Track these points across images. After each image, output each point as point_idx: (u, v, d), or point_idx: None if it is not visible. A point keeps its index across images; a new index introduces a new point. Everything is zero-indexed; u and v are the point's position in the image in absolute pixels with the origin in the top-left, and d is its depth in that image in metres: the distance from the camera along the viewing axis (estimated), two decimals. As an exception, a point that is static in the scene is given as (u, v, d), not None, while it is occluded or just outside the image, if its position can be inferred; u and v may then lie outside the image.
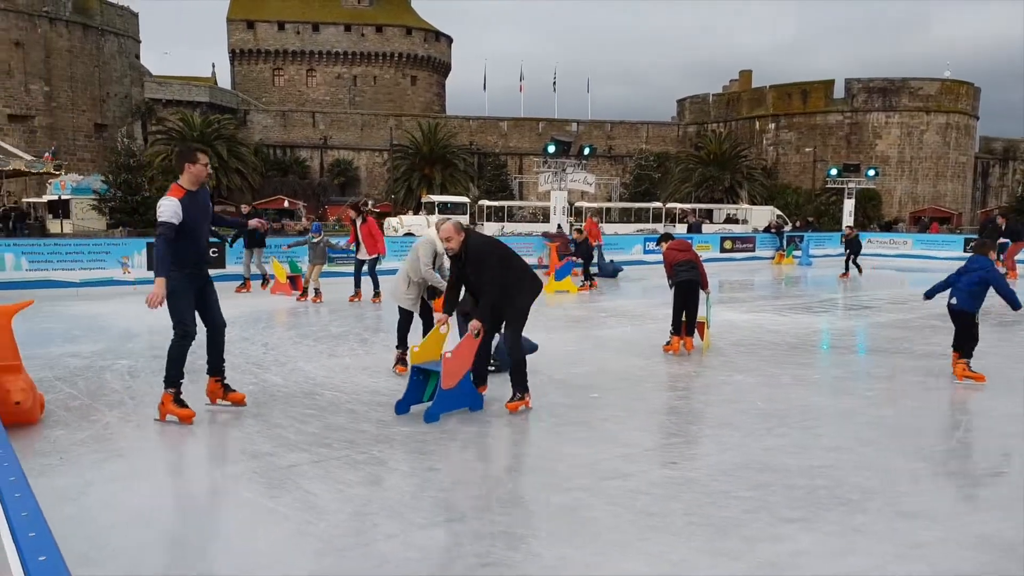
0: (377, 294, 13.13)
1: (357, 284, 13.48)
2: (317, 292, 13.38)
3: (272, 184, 54.26)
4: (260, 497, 4.27)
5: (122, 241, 18.78)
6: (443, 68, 77.28)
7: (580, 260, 16.80)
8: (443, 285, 6.98)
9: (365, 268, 13.24)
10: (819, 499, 4.31)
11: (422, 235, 7.67)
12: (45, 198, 39.44)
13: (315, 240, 13.66)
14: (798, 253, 26.12)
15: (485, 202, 43.70)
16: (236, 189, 50.18)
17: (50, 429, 5.38)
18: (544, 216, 36.19)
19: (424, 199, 43.48)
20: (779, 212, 41.99)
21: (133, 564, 3.46)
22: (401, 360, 7.52)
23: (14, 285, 13.25)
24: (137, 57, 58.75)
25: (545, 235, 21.48)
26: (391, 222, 36.71)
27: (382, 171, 61.30)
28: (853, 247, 20.32)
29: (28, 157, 30.65)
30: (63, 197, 37.79)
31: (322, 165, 61.72)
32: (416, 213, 41.60)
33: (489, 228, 38.38)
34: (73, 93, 51.33)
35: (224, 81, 71.16)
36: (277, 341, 9.39)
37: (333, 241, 14.97)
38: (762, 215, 42.20)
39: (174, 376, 5.59)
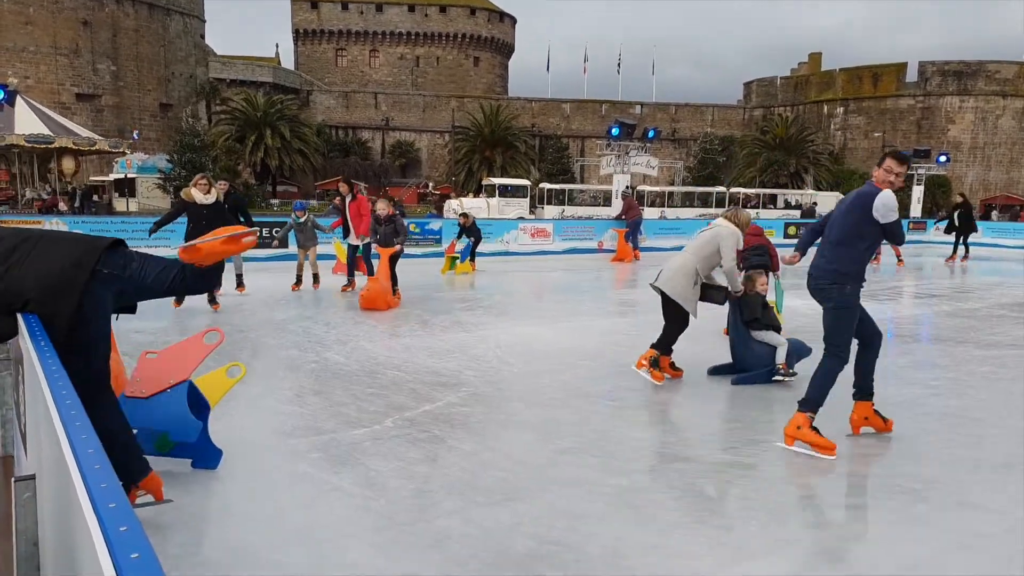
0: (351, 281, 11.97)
1: (351, 272, 11.99)
2: (316, 278, 12.09)
3: (334, 165, 55.16)
4: (323, 472, 4.38)
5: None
6: (506, 49, 77.09)
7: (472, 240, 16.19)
8: (739, 285, 6.57)
9: (359, 252, 11.84)
10: (878, 488, 4.26)
11: (718, 226, 6.62)
12: (112, 177, 40.83)
13: (300, 220, 11.95)
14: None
15: (546, 185, 43.60)
16: (298, 170, 51.21)
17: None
18: (605, 199, 35.93)
19: (485, 182, 43.63)
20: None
21: (196, 537, 3.59)
22: (663, 366, 6.60)
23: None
24: (202, 37, 60.12)
25: (618, 218, 20.51)
26: (451, 204, 36.95)
27: (443, 153, 61.73)
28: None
29: (84, 135, 31.52)
30: (129, 176, 39.09)
31: (383, 146, 62.45)
32: (476, 196, 41.77)
33: (549, 211, 38.32)
34: (139, 72, 52.76)
35: (288, 61, 72.39)
36: (339, 320, 9.55)
37: (320, 222, 13.04)
38: (828, 201, 41.08)
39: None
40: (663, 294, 6.50)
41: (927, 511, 3.96)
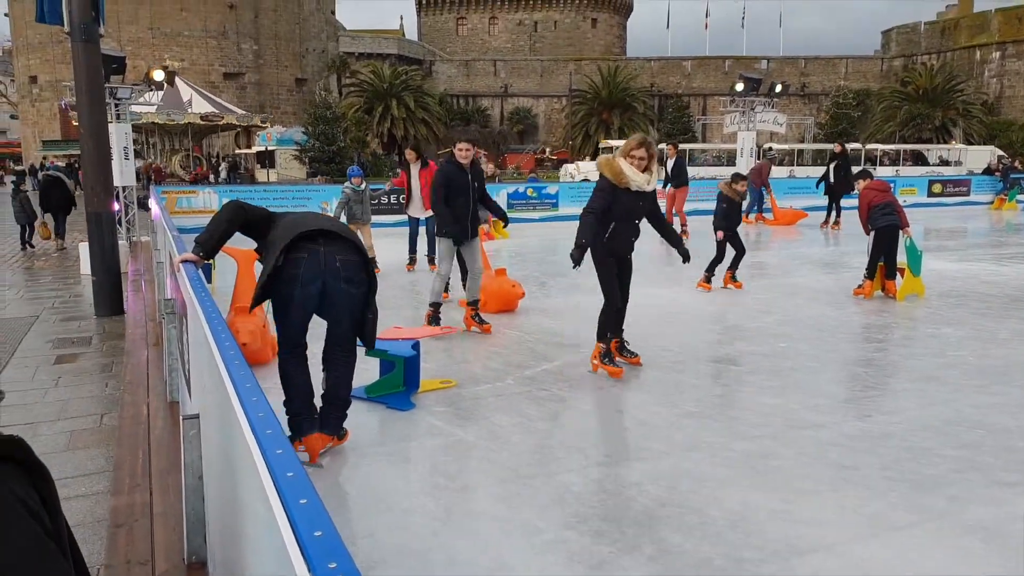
0: (434, 260, 9.76)
1: (413, 248, 10.38)
2: (374, 262, 8.97)
3: (455, 134, 55.80)
4: (449, 425, 4.54)
5: (321, 188, 20.35)
6: (624, 8, 75.19)
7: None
8: None
9: (421, 229, 10.42)
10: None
11: None
12: (254, 149, 43.22)
13: (360, 188, 9.92)
14: (1023, 197, 23.18)
15: (664, 145, 42.49)
16: (422, 139, 52.28)
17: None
18: (729, 159, 34.63)
19: (602, 144, 43.01)
20: (1000, 152, 37.40)
21: (332, 479, 3.81)
22: None
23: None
24: (332, 13, 62.12)
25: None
26: (568, 168, 36.72)
27: (560, 118, 61.29)
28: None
29: (240, 112, 34.14)
30: (269, 148, 41.23)
31: (502, 113, 62.67)
32: (593, 159, 41.27)
33: (669, 173, 37.37)
34: (277, 50, 55.32)
35: (411, 33, 73.69)
36: (459, 282, 9.73)
37: (373, 189, 11.47)
38: (980, 156, 37.80)
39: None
40: None
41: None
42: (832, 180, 15.75)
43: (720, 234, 8.91)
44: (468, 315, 6.87)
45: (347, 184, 10.01)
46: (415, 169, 10.21)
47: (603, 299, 5.55)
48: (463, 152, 6.61)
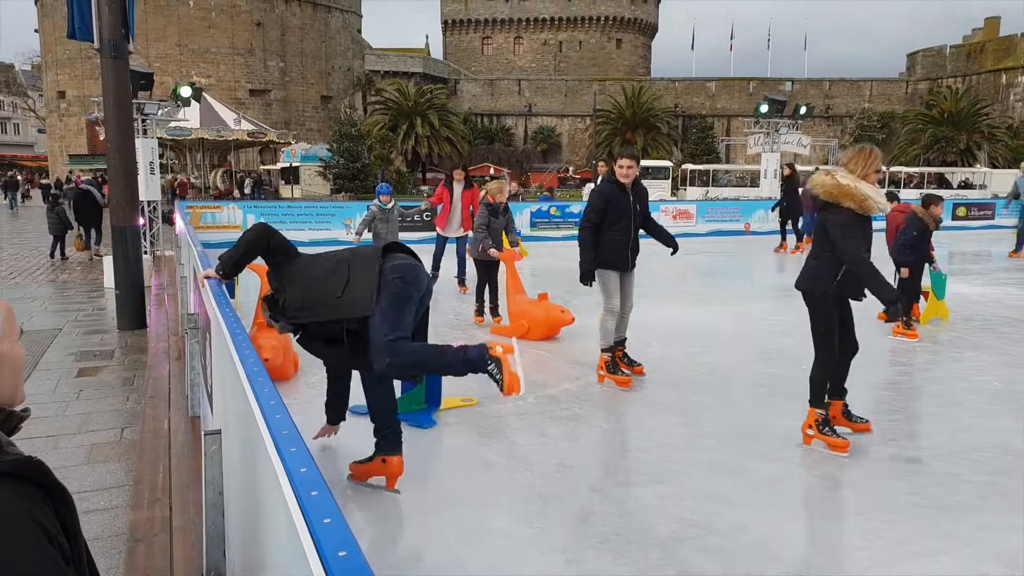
0: (464, 282, 10.14)
1: (436, 266, 9.78)
2: None
3: (479, 152, 56.29)
4: (470, 443, 4.54)
5: (345, 204, 20.48)
6: (649, 29, 75.54)
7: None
8: None
9: (450, 249, 10.21)
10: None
11: None
12: (279, 165, 43.73)
13: (387, 206, 9.46)
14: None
15: (689, 166, 42.49)
16: (446, 157, 52.73)
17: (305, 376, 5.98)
18: (752, 180, 34.51)
19: (625, 164, 43.08)
20: (1027, 176, 36.92)
21: (354, 502, 3.82)
22: None
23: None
24: (359, 31, 62.95)
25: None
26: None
27: (584, 137, 61.53)
28: None
29: (269, 129, 34.85)
30: (294, 164, 41.68)
31: (526, 132, 63.04)
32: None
33: (692, 193, 37.42)
34: (303, 68, 56.14)
35: (437, 52, 74.48)
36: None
37: (405, 207, 11.21)
38: (1004, 179, 37.34)
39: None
40: None
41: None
42: (785, 203, 15.57)
43: (906, 271, 7.55)
44: (617, 356, 5.95)
45: (374, 201, 9.61)
46: (459, 189, 9.99)
47: (815, 354, 4.73)
48: (625, 170, 5.70)
